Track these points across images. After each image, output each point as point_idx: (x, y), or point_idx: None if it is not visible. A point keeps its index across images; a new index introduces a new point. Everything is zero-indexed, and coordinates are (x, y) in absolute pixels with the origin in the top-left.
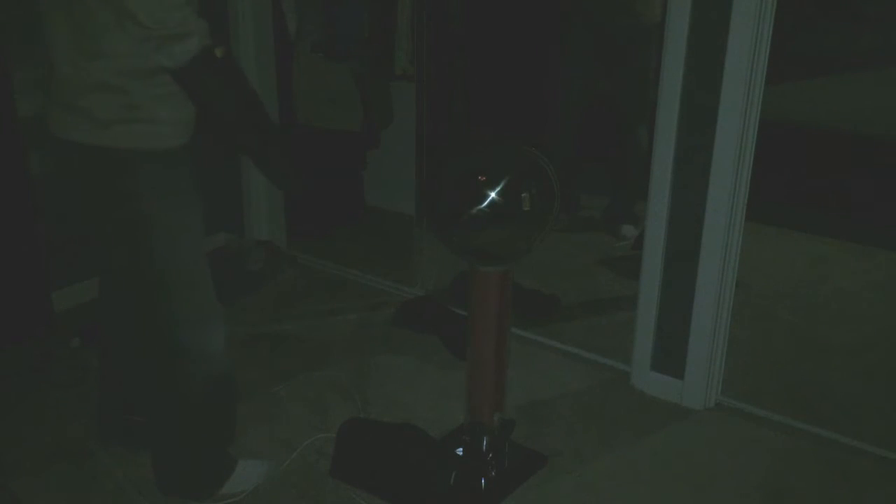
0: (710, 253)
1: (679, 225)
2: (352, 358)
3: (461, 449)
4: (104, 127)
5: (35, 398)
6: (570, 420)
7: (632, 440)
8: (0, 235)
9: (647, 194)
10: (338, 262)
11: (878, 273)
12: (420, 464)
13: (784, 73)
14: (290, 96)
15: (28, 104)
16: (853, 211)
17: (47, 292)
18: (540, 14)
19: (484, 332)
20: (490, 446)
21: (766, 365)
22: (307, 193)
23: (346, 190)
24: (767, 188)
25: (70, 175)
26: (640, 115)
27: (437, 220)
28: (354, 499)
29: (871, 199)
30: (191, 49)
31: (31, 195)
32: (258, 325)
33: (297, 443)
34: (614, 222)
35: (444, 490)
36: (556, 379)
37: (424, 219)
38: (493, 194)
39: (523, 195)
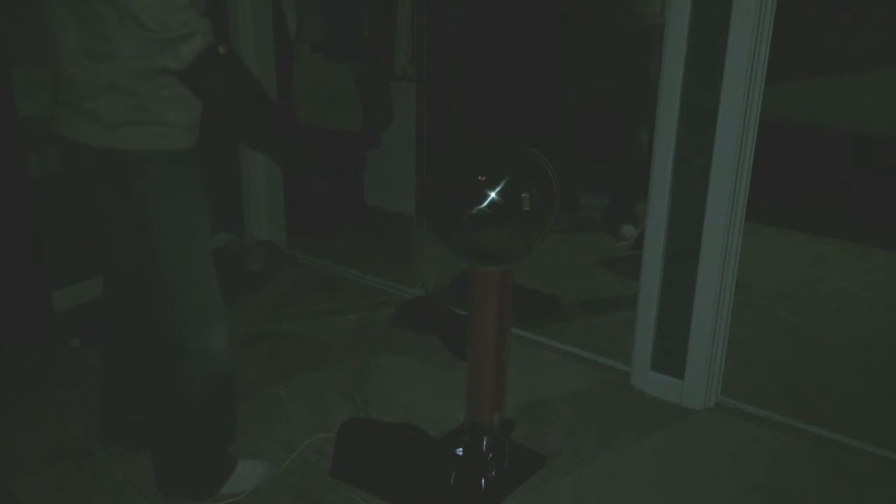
0: (710, 253)
1: (679, 225)
2: (352, 358)
3: (461, 449)
4: (111, 129)
5: (35, 398)
6: (570, 420)
7: (632, 440)
8: (0, 235)
9: (647, 194)
10: (338, 262)
11: (878, 273)
12: (420, 464)
13: (784, 73)
14: (290, 96)
15: (28, 104)
16: (853, 211)
17: (47, 292)
18: (540, 14)
19: (484, 332)
20: (490, 446)
21: (766, 365)
22: (319, 187)
23: (346, 190)
24: (767, 188)
25: (76, 176)
26: (642, 116)
27: (437, 220)
28: (354, 499)
29: (871, 199)
30: (195, 49)
31: (31, 195)
32: (258, 325)
33: (297, 443)
34: (614, 222)
35: (444, 490)
36: (556, 379)
37: (424, 219)
38: (493, 194)
39: (523, 195)
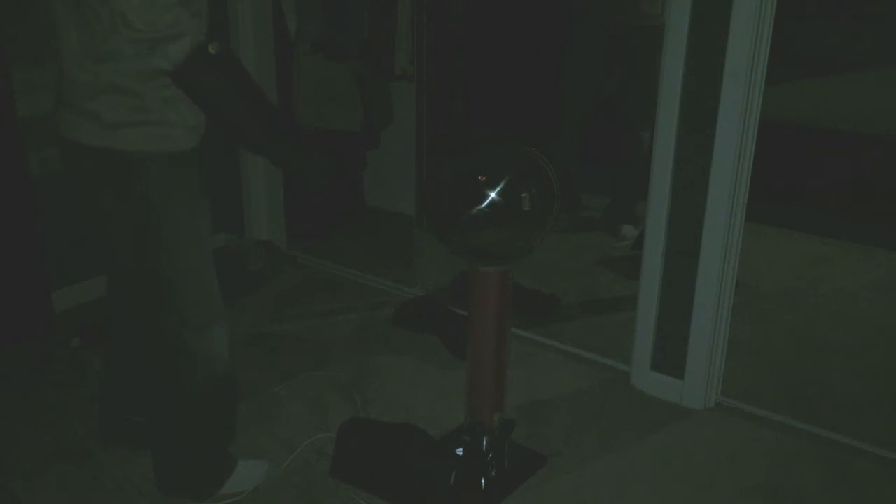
0: (710, 253)
1: (679, 225)
2: (352, 358)
3: (461, 449)
4: (112, 129)
5: (35, 398)
6: (570, 420)
7: (632, 440)
8: (0, 235)
9: (647, 194)
10: (338, 262)
11: (878, 273)
12: (420, 464)
13: (784, 73)
14: (290, 96)
15: (28, 104)
16: (853, 211)
17: (47, 292)
18: (540, 14)
19: (484, 332)
20: (490, 446)
21: (766, 365)
22: (323, 190)
23: (346, 190)
24: (767, 188)
25: (78, 176)
26: (643, 116)
27: (437, 220)
28: (354, 499)
29: (871, 199)
30: (185, 49)
31: (31, 195)
32: (258, 325)
33: (297, 443)
34: (614, 222)
35: (444, 490)
36: (556, 379)
37: (424, 219)
38: (493, 194)
39: (523, 195)
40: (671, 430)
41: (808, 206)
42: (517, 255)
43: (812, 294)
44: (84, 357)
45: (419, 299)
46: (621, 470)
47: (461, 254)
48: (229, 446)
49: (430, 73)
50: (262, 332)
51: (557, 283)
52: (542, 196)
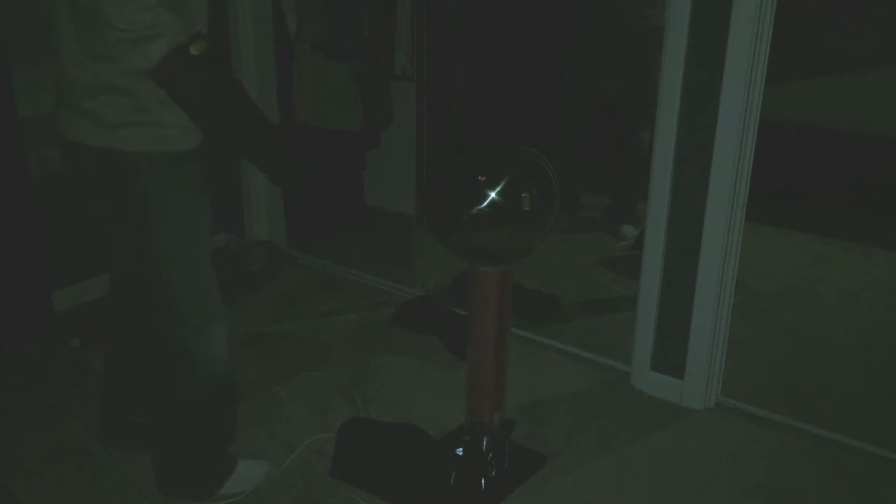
0: (710, 253)
1: (679, 225)
2: (352, 358)
3: (461, 449)
4: (111, 129)
5: (35, 398)
6: (570, 420)
7: (632, 440)
8: (0, 235)
9: (647, 194)
10: (338, 262)
11: (878, 273)
12: (420, 464)
13: (784, 73)
14: (290, 96)
15: (28, 104)
16: (853, 211)
17: (47, 292)
18: (540, 14)
19: (484, 332)
20: (490, 446)
21: (766, 365)
22: (318, 197)
23: (346, 190)
24: (767, 188)
25: (78, 176)
26: (644, 116)
27: (437, 220)
28: (354, 499)
29: (871, 199)
30: (164, 49)
31: (31, 195)
32: (258, 325)
33: (297, 443)
34: (614, 222)
35: (444, 490)
36: (556, 379)
37: (424, 219)
38: (493, 194)
39: (523, 195)
40: (671, 430)
41: (808, 206)
42: (517, 255)
43: (812, 294)
44: (84, 357)
45: (419, 299)
46: (621, 470)
47: (461, 254)
48: (229, 446)
49: (430, 73)
50: (262, 332)
51: (557, 283)
52: (542, 196)
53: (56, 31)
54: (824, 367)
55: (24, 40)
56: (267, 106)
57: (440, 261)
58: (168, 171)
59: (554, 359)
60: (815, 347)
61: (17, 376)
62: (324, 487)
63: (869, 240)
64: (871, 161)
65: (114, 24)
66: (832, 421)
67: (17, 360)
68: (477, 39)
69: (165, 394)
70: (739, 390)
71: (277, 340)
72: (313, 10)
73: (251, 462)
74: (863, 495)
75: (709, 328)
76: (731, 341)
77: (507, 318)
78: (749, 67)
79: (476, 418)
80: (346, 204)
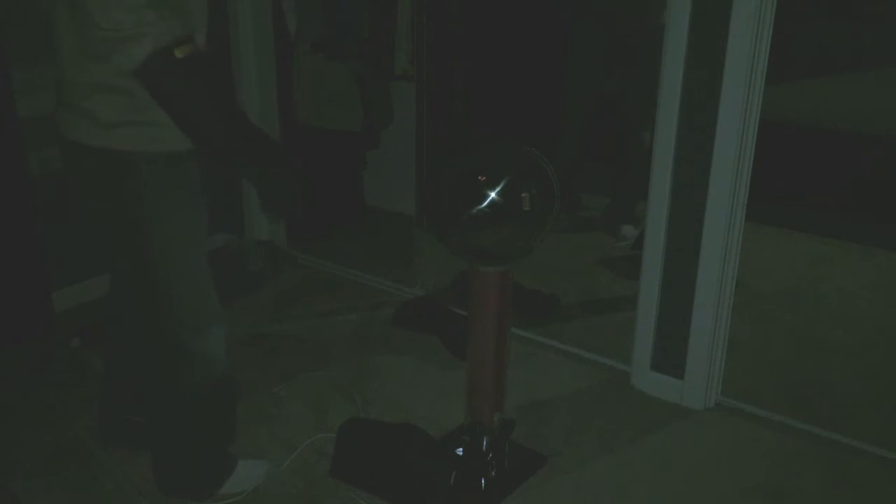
0: (710, 253)
1: (679, 225)
2: (352, 358)
3: (461, 449)
4: (108, 129)
5: (35, 398)
6: (570, 420)
7: (632, 440)
8: (0, 235)
9: (647, 194)
10: (338, 262)
11: (878, 273)
12: (420, 464)
13: (784, 73)
14: (290, 96)
15: (28, 104)
16: (853, 211)
17: (47, 292)
18: (540, 14)
19: (484, 332)
20: (490, 446)
21: (766, 365)
22: (303, 205)
23: (346, 190)
24: (767, 188)
25: (76, 176)
26: (644, 116)
27: (437, 220)
28: (354, 499)
29: (871, 199)
30: (147, 50)
31: (31, 195)
32: (258, 325)
33: (297, 443)
34: (614, 222)
35: (444, 490)
36: (556, 379)
37: (424, 219)
38: (493, 194)
39: (523, 195)
40: (671, 430)
41: (808, 206)
42: (517, 255)
43: (812, 294)
44: (84, 357)
45: (419, 299)
46: (621, 470)
47: (461, 254)
48: (229, 446)
49: (430, 73)
50: (262, 332)
51: (557, 283)
52: (542, 196)
53: (55, 31)
54: (824, 367)
55: (24, 40)
56: (267, 106)
57: (440, 261)
58: (165, 170)
59: (554, 359)
60: (815, 347)
61: (17, 376)
62: (324, 487)
63: (869, 240)
64: (871, 161)
65: (99, 23)
66: (832, 421)
67: (17, 360)
68: (477, 39)
69: (165, 394)
70: (739, 390)
71: (277, 340)
72: (313, 10)
73: (251, 462)
74: (863, 495)
75: (709, 328)
76: (731, 341)
77: (507, 318)
78: (749, 67)
79: (476, 418)
80: (346, 204)
